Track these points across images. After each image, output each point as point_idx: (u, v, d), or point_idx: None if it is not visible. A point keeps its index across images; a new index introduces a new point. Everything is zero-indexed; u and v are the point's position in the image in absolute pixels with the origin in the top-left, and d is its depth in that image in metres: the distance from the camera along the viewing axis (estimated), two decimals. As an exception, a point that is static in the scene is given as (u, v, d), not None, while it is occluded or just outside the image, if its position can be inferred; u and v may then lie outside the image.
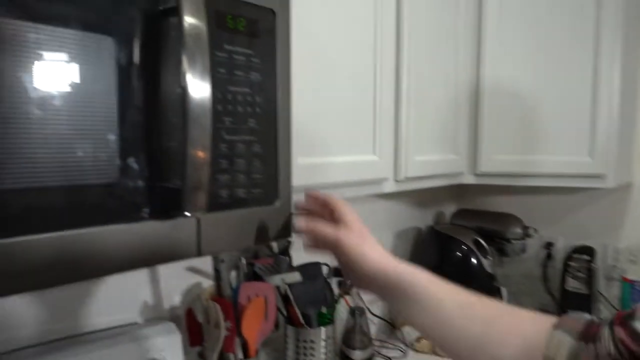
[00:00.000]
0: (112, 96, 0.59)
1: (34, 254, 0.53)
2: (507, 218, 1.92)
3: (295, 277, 1.19)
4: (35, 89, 0.52)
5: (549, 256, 2.02)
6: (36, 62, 0.52)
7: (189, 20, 0.60)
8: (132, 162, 0.61)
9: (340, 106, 1.05)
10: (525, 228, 1.88)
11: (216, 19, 0.69)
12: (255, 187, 0.75)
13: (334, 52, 1.03)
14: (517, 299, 2.05)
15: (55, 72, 0.54)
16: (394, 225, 1.86)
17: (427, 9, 1.30)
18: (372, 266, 0.73)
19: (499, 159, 1.56)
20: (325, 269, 1.34)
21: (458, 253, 1.81)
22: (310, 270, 1.26)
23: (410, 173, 1.24)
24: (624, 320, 0.60)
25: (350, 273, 0.76)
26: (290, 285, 1.22)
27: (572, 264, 1.88)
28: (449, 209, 2.19)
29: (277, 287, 1.21)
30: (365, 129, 1.13)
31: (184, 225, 0.66)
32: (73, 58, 0.55)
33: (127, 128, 0.60)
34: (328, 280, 1.34)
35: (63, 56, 0.55)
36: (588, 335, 0.62)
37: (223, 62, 0.70)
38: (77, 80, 0.56)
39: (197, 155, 0.62)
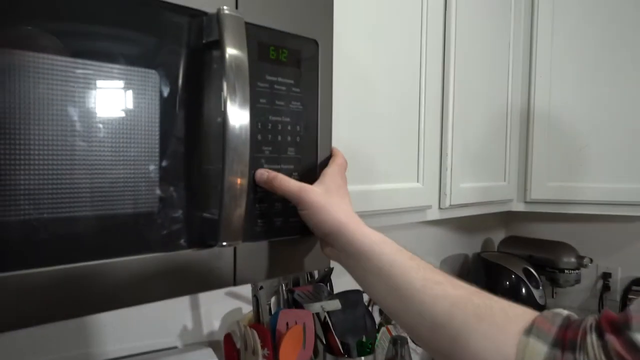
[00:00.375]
0: (155, 127, 0.60)
1: (76, 282, 0.54)
2: (560, 246, 1.84)
3: (336, 304, 1.17)
4: (80, 120, 0.54)
5: (606, 288, 1.91)
6: (82, 96, 0.54)
7: (230, 52, 0.61)
8: (171, 191, 0.62)
9: (383, 133, 1.03)
10: (579, 257, 1.79)
11: (258, 51, 0.69)
12: (293, 216, 0.75)
13: (377, 78, 1.02)
14: (570, 333, 1.95)
15: (100, 105, 0.55)
16: (439, 252, 1.82)
17: (475, 33, 1.28)
18: (333, 223, 0.69)
19: (551, 186, 1.50)
20: (367, 299, 1.31)
21: (507, 282, 1.74)
22: (351, 297, 1.24)
23: (455, 201, 1.21)
24: (618, 329, 0.53)
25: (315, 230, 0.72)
26: (330, 313, 1.20)
27: (633, 297, 1.77)
28: (498, 236, 2.12)
29: (317, 315, 1.20)
30: (409, 155, 1.11)
31: (221, 255, 0.66)
32: (118, 91, 0.57)
33: (168, 158, 0.61)
34: (369, 308, 1.31)
35: (109, 90, 0.56)
36: (564, 340, 0.55)
37: (264, 92, 0.70)
38: (121, 112, 0.57)
39: (235, 185, 0.62)
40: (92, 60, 0.55)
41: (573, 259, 1.80)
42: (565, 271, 1.79)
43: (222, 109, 0.61)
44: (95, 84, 0.55)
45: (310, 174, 0.77)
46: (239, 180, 0.62)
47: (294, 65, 0.74)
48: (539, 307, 1.72)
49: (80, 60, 0.54)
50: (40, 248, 0.52)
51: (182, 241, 0.63)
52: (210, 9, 0.63)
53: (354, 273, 0.72)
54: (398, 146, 1.08)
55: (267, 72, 0.71)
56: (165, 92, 0.61)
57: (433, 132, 1.16)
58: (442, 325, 0.63)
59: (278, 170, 0.72)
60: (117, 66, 0.57)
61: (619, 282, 1.89)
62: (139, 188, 0.59)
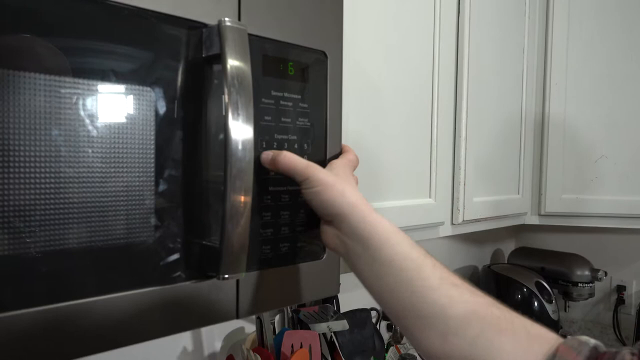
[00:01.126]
0: (150, 148, 0.55)
1: (62, 324, 0.49)
2: (573, 259, 1.78)
3: (343, 324, 1.12)
4: (65, 144, 0.49)
5: (620, 301, 1.85)
6: (69, 117, 0.49)
7: (233, 66, 0.56)
8: (168, 218, 0.57)
9: (393, 147, 0.98)
10: (594, 270, 1.73)
11: (263, 65, 0.64)
12: (300, 241, 0.70)
13: (387, 89, 0.97)
14: (583, 347, 1.89)
15: (89, 127, 0.50)
16: (447, 264, 1.75)
17: (488, 44, 1.23)
18: (343, 203, 0.63)
19: (566, 199, 1.44)
20: (374, 314, 1.26)
21: (518, 296, 1.69)
22: (358, 317, 1.19)
23: (469, 216, 1.15)
24: None
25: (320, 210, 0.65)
26: (336, 333, 1.15)
27: (648, 311, 1.71)
28: (507, 247, 2.06)
29: (323, 335, 1.15)
30: (421, 170, 1.06)
31: (222, 287, 0.61)
32: (109, 111, 0.52)
33: (164, 182, 0.56)
34: (377, 326, 1.26)
35: (99, 110, 0.51)
36: None
37: (269, 109, 0.65)
38: (112, 133, 0.52)
39: (238, 210, 0.57)
40: (80, 78, 0.50)
41: (587, 272, 1.74)
42: (579, 285, 1.73)
43: (224, 128, 0.56)
44: (83, 104, 0.50)
45: (319, 195, 0.72)
46: (242, 205, 0.57)
47: (301, 79, 0.69)
48: (552, 323, 1.67)
49: (66, 79, 0.49)
50: (22, 287, 0.47)
51: (179, 273, 0.57)
52: (211, 21, 0.58)
53: (359, 260, 0.64)
54: (409, 161, 1.02)
55: (272, 87, 0.66)
56: (162, 110, 0.56)
57: (445, 145, 1.11)
58: (454, 330, 0.56)
59: (284, 193, 0.67)
60: (108, 84, 0.52)
61: (633, 295, 1.84)
62: (132, 216, 0.54)
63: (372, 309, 1.32)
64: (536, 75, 1.45)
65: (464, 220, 1.15)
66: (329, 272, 0.74)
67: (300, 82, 0.69)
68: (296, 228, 0.69)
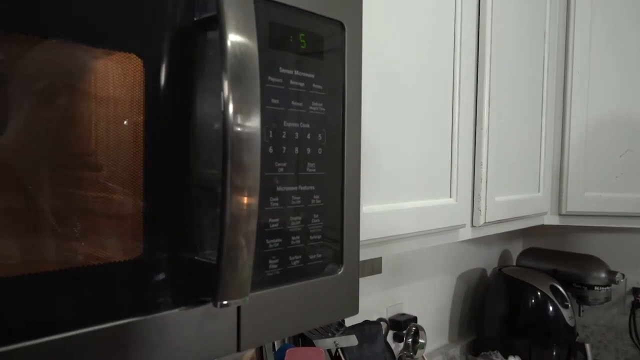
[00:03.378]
0: (129, 137, 0.42)
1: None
2: (588, 260, 1.67)
3: (351, 340, 1.00)
4: (26, 128, 0.36)
5: (636, 304, 1.75)
6: (30, 86, 0.36)
7: (233, 35, 0.43)
8: (153, 228, 0.44)
9: (412, 139, 0.86)
10: (610, 273, 1.63)
11: (270, 35, 0.52)
12: (313, 253, 0.57)
13: (407, 81, 0.85)
14: (597, 354, 1.79)
15: (53, 103, 0.37)
16: (454, 268, 1.64)
17: (510, 38, 1.11)
18: None
19: (589, 197, 1.33)
20: (384, 327, 1.14)
21: (532, 301, 1.57)
22: (367, 331, 1.06)
23: (490, 217, 1.04)
24: None
25: None
26: (344, 350, 1.02)
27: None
28: (515, 248, 1.96)
29: (329, 352, 1.02)
30: (441, 166, 0.93)
31: (220, 315, 0.48)
32: (82, 83, 0.39)
33: (149, 182, 0.43)
34: (388, 341, 1.14)
35: (68, 81, 0.38)
36: None
37: (277, 90, 0.52)
38: (82, 109, 0.39)
39: (240, 215, 0.44)
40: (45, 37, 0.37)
41: (603, 275, 1.63)
42: (595, 288, 1.63)
43: (222, 114, 0.43)
44: (45, 69, 0.37)
45: (334, 197, 0.60)
46: (245, 209, 0.44)
47: (314, 54, 0.56)
48: (569, 330, 1.56)
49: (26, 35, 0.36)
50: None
51: (165, 298, 0.45)
52: (205, -27, 0.46)
53: None
54: (429, 155, 0.90)
55: (281, 63, 0.53)
56: (145, 87, 0.43)
57: (466, 138, 0.99)
58: None
59: (296, 194, 0.55)
60: (78, 45, 0.39)
61: (650, 298, 1.73)
62: (109, 226, 0.41)
63: (381, 319, 1.20)
64: (557, 62, 1.33)
65: (485, 222, 1.03)
66: (347, 288, 0.62)
67: (314, 58, 0.56)
68: (309, 237, 0.57)
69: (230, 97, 0.43)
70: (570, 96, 1.31)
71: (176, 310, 0.45)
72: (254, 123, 0.44)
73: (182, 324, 0.46)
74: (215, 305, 0.44)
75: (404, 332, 1.29)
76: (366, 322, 1.07)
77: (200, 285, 0.46)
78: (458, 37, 0.95)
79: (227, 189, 0.43)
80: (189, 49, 0.46)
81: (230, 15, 0.44)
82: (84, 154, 0.40)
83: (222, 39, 0.43)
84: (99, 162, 0.40)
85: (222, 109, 0.43)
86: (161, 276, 0.44)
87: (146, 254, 0.43)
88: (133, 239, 0.43)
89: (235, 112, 0.43)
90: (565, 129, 1.32)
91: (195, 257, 0.47)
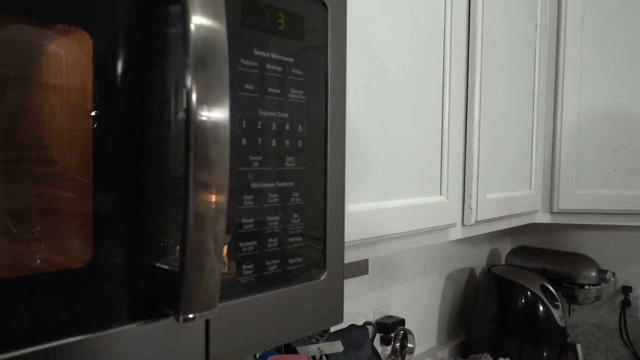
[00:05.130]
0: (77, 125, 0.36)
1: None
2: (578, 259, 1.64)
3: (336, 346, 0.94)
4: None
5: (626, 303, 1.72)
6: None
7: (198, 11, 0.38)
8: (104, 228, 0.38)
9: (401, 134, 0.81)
10: (601, 272, 1.59)
11: (242, 12, 0.46)
12: (293, 257, 0.52)
13: (396, 72, 0.79)
14: (587, 353, 1.76)
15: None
16: (442, 267, 1.60)
17: (502, 31, 1.07)
18: None
19: (581, 194, 1.29)
20: (371, 331, 1.09)
21: (522, 301, 1.53)
22: (354, 336, 1.01)
23: (482, 215, 0.99)
24: None
25: None
26: (329, 356, 0.97)
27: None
28: (504, 246, 1.92)
29: (313, 359, 0.97)
30: (431, 161, 0.88)
31: (185, 330, 0.42)
32: (26, 61, 0.33)
33: (101, 175, 0.38)
34: (375, 345, 1.09)
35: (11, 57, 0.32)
36: None
37: (251, 75, 0.47)
38: (27, 95, 0.33)
39: (207, 214, 0.39)
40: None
41: (594, 273, 1.60)
42: (586, 287, 1.59)
43: (186, 100, 0.37)
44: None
45: (316, 194, 0.54)
46: (213, 207, 0.39)
47: (294, 35, 0.51)
48: (560, 330, 1.52)
49: None
50: None
51: (121, 310, 0.39)
52: (165, -64, 0.40)
53: None
54: (418, 150, 0.85)
55: (256, 45, 0.47)
56: (96, 69, 0.37)
57: (457, 132, 0.94)
58: None
59: (273, 191, 0.49)
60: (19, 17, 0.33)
61: (640, 297, 1.71)
62: (51, 227, 0.35)
63: (367, 323, 1.15)
64: (548, 55, 1.29)
65: (476, 221, 0.98)
66: (331, 295, 0.57)
67: (294, 40, 0.51)
68: (289, 239, 0.51)
69: (194, 82, 0.37)
70: (562, 90, 1.27)
71: (134, 325, 0.39)
72: (221, 112, 0.38)
73: (141, 340, 0.40)
74: (177, 319, 0.38)
75: (392, 335, 1.24)
76: (352, 326, 1.02)
77: (162, 296, 0.41)
78: (448, 28, 0.90)
79: (190, 186, 0.38)
80: (147, 26, 0.40)
81: (194, -13, 0.38)
82: (20, 146, 0.34)
83: (185, 14, 0.38)
84: (38, 155, 0.34)
85: (185, 95, 0.37)
86: (115, 285, 0.38)
87: (96, 259, 0.37)
88: (81, 242, 0.37)
89: (200, 99, 0.37)
90: (557, 123, 1.28)
91: (157, 264, 0.41)
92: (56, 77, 0.35)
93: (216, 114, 0.38)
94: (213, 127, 0.38)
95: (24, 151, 0.34)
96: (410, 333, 1.14)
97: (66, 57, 0.36)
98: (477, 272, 1.77)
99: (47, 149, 0.35)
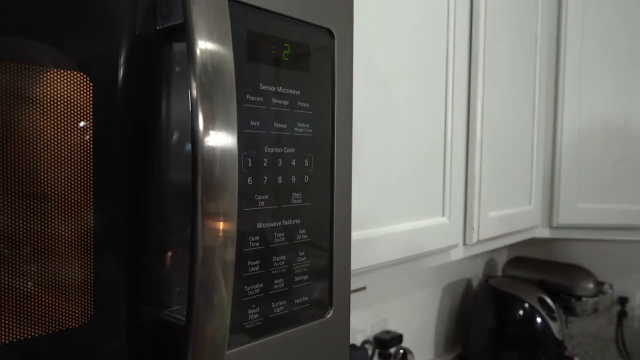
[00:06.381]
0: (79, 165, 0.34)
1: None
2: (575, 270, 1.64)
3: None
4: None
5: (623, 314, 1.72)
6: None
7: (205, 46, 0.35)
8: (103, 272, 0.36)
9: (404, 154, 0.79)
10: (598, 284, 1.59)
11: (248, 45, 0.44)
12: (299, 296, 0.50)
13: (398, 83, 0.77)
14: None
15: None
16: (438, 279, 1.59)
17: (503, 48, 1.06)
18: None
19: (581, 209, 1.28)
20: (370, 350, 1.07)
21: (520, 313, 1.53)
22: (353, 357, 0.99)
23: (484, 234, 0.98)
24: None
25: None
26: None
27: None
28: (500, 257, 1.91)
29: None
30: (434, 182, 0.87)
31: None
32: (20, 106, 0.31)
33: (102, 223, 0.35)
34: (375, 365, 1.07)
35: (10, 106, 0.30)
36: None
37: (257, 111, 0.45)
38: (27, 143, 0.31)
39: (213, 262, 0.36)
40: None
41: (591, 285, 1.59)
42: (583, 299, 1.59)
43: (192, 142, 0.35)
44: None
45: (323, 230, 0.52)
46: (219, 254, 0.37)
47: (300, 67, 0.49)
48: (557, 343, 1.52)
49: None
50: None
51: (121, 368, 0.37)
52: (169, -28, 0.38)
53: None
54: (421, 171, 0.83)
55: (261, 79, 0.45)
56: (91, 110, 0.35)
57: (459, 151, 0.92)
58: None
59: (279, 230, 0.47)
60: (22, 65, 0.30)
61: (637, 307, 1.71)
62: (50, 278, 0.33)
63: (366, 342, 1.14)
64: (548, 67, 1.27)
65: (478, 240, 0.97)
66: (337, 333, 0.55)
67: (300, 71, 0.49)
68: (295, 278, 0.49)
69: (201, 123, 0.35)
70: (562, 102, 1.26)
71: (136, 383, 0.37)
72: (231, 152, 0.36)
73: (143, 397, 0.38)
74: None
75: (390, 350, 1.22)
76: (352, 347, 1.00)
77: (166, 350, 0.39)
78: (451, 49, 0.89)
79: (198, 235, 0.36)
80: (150, 63, 0.38)
81: (200, 23, 0.36)
82: (22, 185, 0.31)
83: (191, 52, 0.35)
84: (37, 195, 0.32)
85: (191, 138, 0.35)
86: (115, 344, 0.36)
87: (98, 310, 0.35)
88: (81, 298, 0.34)
89: (208, 140, 0.35)
90: (557, 136, 1.27)
91: (160, 316, 0.39)
92: (52, 121, 0.33)
93: (225, 156, 0.36)
94: (222, 170, 0.36)
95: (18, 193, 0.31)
96: (410, 352, 1.12)
97: (62, 101, 0.34)
98: (474, 282, 1.76)
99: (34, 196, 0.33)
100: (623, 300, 1.73)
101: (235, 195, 0.37)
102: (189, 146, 0.40)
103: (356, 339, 1.20)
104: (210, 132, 0.35)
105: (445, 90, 0.88)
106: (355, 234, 0.69)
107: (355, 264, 0.68)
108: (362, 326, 1.26)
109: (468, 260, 1.74)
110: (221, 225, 0.37)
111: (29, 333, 0.32)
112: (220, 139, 0.36)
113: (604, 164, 1.27)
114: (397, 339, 1.25)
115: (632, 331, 1.69)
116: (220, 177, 0.36)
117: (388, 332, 1.30)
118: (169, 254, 0.40)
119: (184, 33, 0.36)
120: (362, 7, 0.70)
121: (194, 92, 0.35)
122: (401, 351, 1.12)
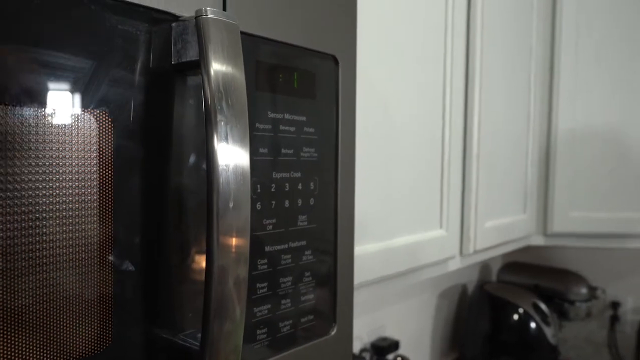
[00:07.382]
0: (93, 204, 0.36)
1: None
2: (569, 276, 1.66)
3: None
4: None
5: (615, 318, 1.75)
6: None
7: (220, 79, 0.37)
8: (123, 304, 0.37)
9: (403, 175, 0.81)
10: (591, 289, 1.62)
11: (257, 75, 0.45)
12: (305, 315, 0.51)
13: (397, 102, 0.79)
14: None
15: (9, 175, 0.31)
16: (434, 284, 1.60)
17: (499, 61, 1.08)
18: None
19: (575, 217, 1.30)
20: (368, 358, 1.09)
21: (514, 318, 1.55)
22: (353, 366, 1.01)
23: (481, 245, 1.00)
24: None
25: None
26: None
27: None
28: (495, 261, 1.93)
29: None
30: (431, 195, 0.89)
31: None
32: (42, 150, 0.32)
33: (119, 250, 0.37)
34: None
35: (20, 144, 0.31)
36: None
37: (266, 138, 0.46)
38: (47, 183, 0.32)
39: (227, 287, 0.38)
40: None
41: (584, 290, 1.62)
42: (576, 303, 1.61)
43: (207, 170, 0.37)
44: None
45: (327, 250, 0.54)
46: (233, 280, 0.38)
47: (306, 94, 0.50)
48: (551, 349, 1.54)
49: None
50: None
51: (139, 392, 0.38)
52: (184, 11, 0.39)
53: None
54: (420, 186, 0.85)
55: (269, 107, 0.47)
56: (111, 145, 0.36)
57: (456, 164, 0.94)
58: None
59: (286, 252, 0.49)
60: (36, 109, 0.32)
61: (629, 312, 1.74)
62: (67, 311, 0.34)
63: (363, 350, 1.15)
64: (543, 76, 1.30)
65: (475, 251, 0.99)
66: (341, 347, 0.56)
67: (306, 98, 0.50)
68: (301, 297, 0.51)
69: (217, 152, 0.37)
70: (557, 111, 1.28)
71: (151, 405, 0.39)
72: (245, 180, 0.38)
73: (158, 419, 0.39)
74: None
75: (388, 357, 1.24)
76: (354, 356, 1.02)
77: (180, 374, 0.40)
78: (449, 65, 0.91)
79: (214, 260, 0.37)
80: (165, 98, 0.39)
81: (216, 59, 0.37)
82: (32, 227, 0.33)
83: (207, 86, 0.37)
84: (55, 228, 0.34)
85: (207, 167, 0.37)
86: (133, 367, 0.38)
87: (118, 342, 0.36)
88: (99, 326, 0.36)
89: (224, 169, 0.37)
90: (551, 146, 1.29)
91: (174, 339, 0.40)
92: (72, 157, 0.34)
93: (240, 185, 0.38)
94: (238, 198, 0.37)
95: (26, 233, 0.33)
96: (407, 359, 1.14)
97: (83, 138, 0.35)
98: (470, 288, 1.78)
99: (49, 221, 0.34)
100: (615, 305, 1.75)
101: (248, 213, 0.38)
102: (203, 172, 0.41)
103: (354, 346, 1.22)
104: (225, 152, 0.37)
105: (443, 107, 0.90)
106: (355, 250, 0.70)
107: (356, 278, 0.70)
108: (358, 333, 1.27)
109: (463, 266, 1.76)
110: (234, 241, 0.38)
111: (53, 361, 0.33)
112: (234, 159, 0.37)
113: (595, 174, 1.29)
114: (394, 345, 1.27)
115: (624, 335, 1.72)
116: (234, 196, 0.38)
117: (385, 338, 1.32)
118: (183, 277, 0.41)
119: (198, 68, 0.38)
120: (362, 32, 0.71)
121: (211, 127, 0.37)
122: (398, 358, 1.14)
